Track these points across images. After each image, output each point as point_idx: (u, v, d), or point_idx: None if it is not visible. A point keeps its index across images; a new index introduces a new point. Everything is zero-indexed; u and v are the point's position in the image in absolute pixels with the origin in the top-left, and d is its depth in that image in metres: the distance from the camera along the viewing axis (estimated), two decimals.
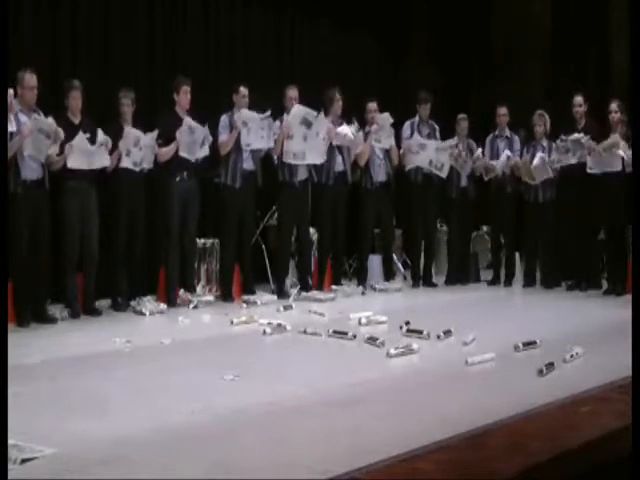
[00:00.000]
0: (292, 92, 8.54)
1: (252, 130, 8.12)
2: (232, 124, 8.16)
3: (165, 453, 3.62)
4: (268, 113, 8.17)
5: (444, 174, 9.30)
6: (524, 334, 5.99)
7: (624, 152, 8.22)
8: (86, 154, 7.20)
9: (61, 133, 6.95)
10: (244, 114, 8.11)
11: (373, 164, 9.10)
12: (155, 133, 7.69)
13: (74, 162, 7.13)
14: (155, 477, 3.30)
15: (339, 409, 4.35)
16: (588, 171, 8.49)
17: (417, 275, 9.48)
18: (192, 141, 7.88)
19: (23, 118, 6.78)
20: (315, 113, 8.40)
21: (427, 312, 7.65)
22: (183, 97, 7.96)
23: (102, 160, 7.34)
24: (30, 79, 6.82)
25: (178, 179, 7.94)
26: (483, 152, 9.47)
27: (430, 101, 9.36)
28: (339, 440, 3.77)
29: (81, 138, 7.14)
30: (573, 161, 8.67)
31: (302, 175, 8.62)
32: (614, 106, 8.52)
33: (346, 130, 8.70)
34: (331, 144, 8.63)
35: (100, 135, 7.29)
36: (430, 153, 9.18)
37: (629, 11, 8.57)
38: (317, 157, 8.52)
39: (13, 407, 3.70)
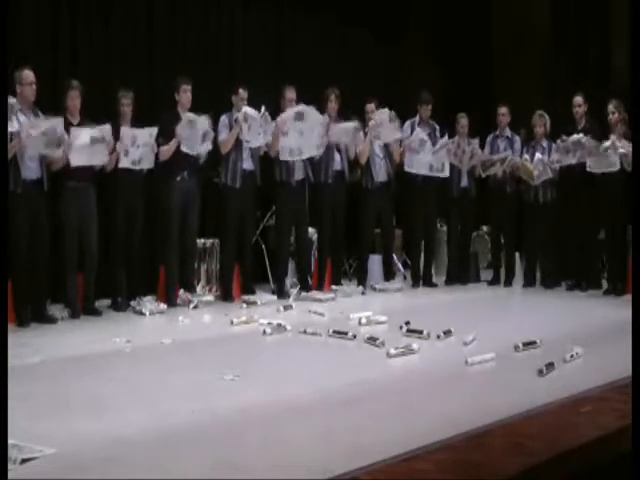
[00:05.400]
0: (290, 93, 8.53)
1: (252, 127, 8.11)
2: (232, 124, 8.16)
3: (165, 453, 3.62)
4: (263, 110, 8.15)
5: (446, 173, 9.29)
6: (524, 334, 5.99)
7: (625, 149, 8.20)
8: (85, 148, 7.17)
9: (66, 139, 6.93)
10: (245, 111, 8.09)
11: (374, 163, 9.09)
12: (154, 130, 7.67)
13: (75, 160, 7.12)
14: (155, 477, 3.30)
15: (339, 409, 4.35)
16: (587, 169, 8.49)
17: (417, 275, 9.47)
18: (192, 135, 7.84)
19: (22, 117, 6.78)
20: (307, 106, 8.38)
21: (427, 312, 7.64)
22: (183, 96, 7.96)
23: (101, 157, 7.32)
24: (28, 75, 6.82)
25: (179, 179, 7.94)
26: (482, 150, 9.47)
27: (431, 102, 9.35)
28: (339, 440, 3.77)
29: (75, 135, 7.11)
30: (573, 161, 8.66)
31: (299, 175, 8.62)
32: (611, 107, 8.51)
33: (342, 124, 8.68)
34: (329, 142, 8.63)
35: (94, 131, 7.25)
36: (429, 155, 9.17)
37: (629, 11, 8.57)
38: (313, 150, 8.49)
39: (13, 407, 3.71)
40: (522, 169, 9.12)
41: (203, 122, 7.88)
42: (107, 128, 7.30)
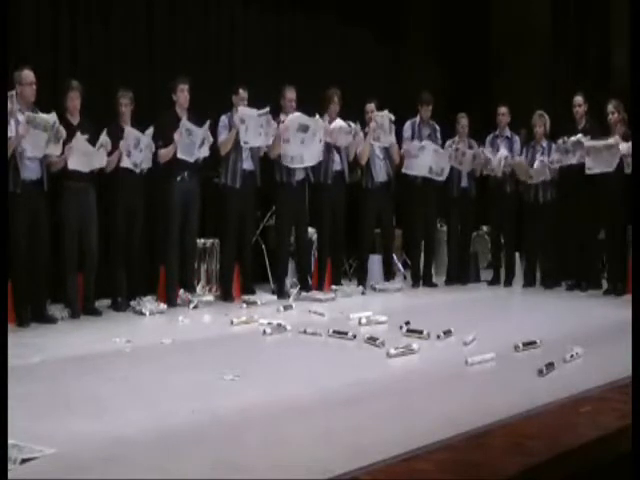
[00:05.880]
0: (290, 93, 8.53)
1: (250, 127, 8.11)
2: (231, 125, 8.17)
3: (165, 453, 3.62)
4: (267, 109, 8.16)
5: (443, 178, 9.30)
6: (524, 334, 5.99)
7: (625, 151, 8.20)
8: (85, 155, 7.20)
9: (63, 132, 6.95)
10: (241, 111, 8.11)
11: (374, 164, 9.09)
12: (151, 130, 7.69)
13: (74, 163, 7.13)
14: (155, 477, 3.30)
15: (339, 409, 4.35)
16: (587, 172, 8.49)
17: (417, 275, 9.47)
18: (190, 142, 7.85)
19: (21, 117, 6.77)
20: (311, 118, 8.39)
21: (427, 312, 7.64)
22: (181, 95, 7.95)
23: (100, 160, 7.34)
24: (28, 75, 6.82)
25: (179, 179, 7.94)
26: (483, 152, 9.47)
27: (432, 103, 9.34)
28: (339, 440, 3.77)
29: (79, 139, 7.13)
30: (573, 161, 8.67)
31: (299, 175, 8.62)
32: (611, 107, 8.50)
33: (340, 124, 8.69)
34: (328, 143, 8.63)
35: (102, 137, 7.28)
36: (429, 158, 9.18)
37: (629, 11, 8.56)
38: (314, 158, 8.52)
39: (13, 407, 3.71)
40: (520, 168, 9.13)
41: (201, 132, 7.88)
42: (107, 139, 7.32)
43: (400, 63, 11.32)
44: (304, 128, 8.35)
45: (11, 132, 6.57)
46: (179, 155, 7.82)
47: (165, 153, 7.84)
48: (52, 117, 6.87)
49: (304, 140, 8.35)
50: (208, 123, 7.95)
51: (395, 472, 3.30)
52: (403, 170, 9.22)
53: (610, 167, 8.34)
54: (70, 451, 3.58)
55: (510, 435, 3.78)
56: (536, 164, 8.97)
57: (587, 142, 8.49)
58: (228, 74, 9.30)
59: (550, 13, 11.88)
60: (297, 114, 8.38)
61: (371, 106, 9.09)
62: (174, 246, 7.98)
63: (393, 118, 8.98)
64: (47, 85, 7.28)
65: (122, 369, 5.37)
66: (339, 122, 8.72)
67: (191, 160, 7.92)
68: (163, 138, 7.81)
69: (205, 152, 8.00)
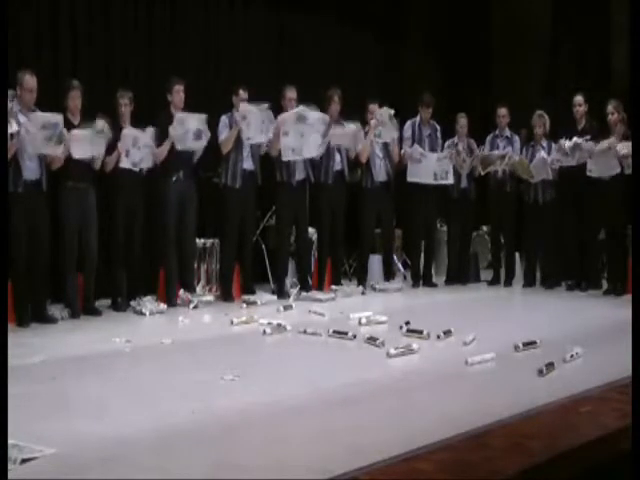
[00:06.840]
0: (290, 93, 8.53)
1: (252, 123, 8.10)
2: (232, 124, 8.17)
3: (165, 453, 3.62)
4: (266, 105, 8.14)
5: (450, 180, 9.30)
6: (524, 334, 5.99)
7: (624, 150, 8.19)
8: (85, 141, 7.16)
9: (66, 135, 6.93)
10: (242, 108, 8.10)
11: (374, 164, 9.10)
12: (151, 130, 7.70)
13: (76, 152, 7.11)
14: (155, 477, 3.30)
15: (339, 409, 4.35)
16: (588, 174, 8.50)
17: (417, 275, 9.48)
18: (184, 132, 7.82)
19: (22, 118, 6.76)
20: (312, 112, 8.38)
21: (427, 312, 7.65)
22: (176, 96, 7.94)
23: (99, 148, 7.28)
24: (29, 81, 6.80)
25: (174, 179, 7.93)
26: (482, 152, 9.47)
27: (432, 104, 9.33)
28: (339, 440, 3.77)
29: (75, 132, 7.12)
30: (573, 163, 8.67)
31: (300, 175, 8.62)
32: (610, 107, 8.50)
33: (348, 129, 8.68)
34: (329, 143, 8.63)
35: (98, 122, 7.24)
36: (432, 164, 9.20)
37: (629, 11, 8.57)
38: (313, 151, 8.47)
39: (13, 407, 3.71)
40: (519, 167, 9.13)
41: (197, 119, 7.85)
42: (104, 123, 7.29)
43: (400, 63, 11.32)
44: (302, 119, 8.31)
45: (11, 129, 6.55)
46: (177, 147, 7.81)
47: (160, 151, 7.82)
48: (55, 117, 6.84)
49: (303, 133, 8.32)
50: (206, 117, 7.91)
51: (395, 472, 3.30)
52: (408, 179, 9.21)
53: (610, 171, 8.33)
54: (70, 451, 3.58)
55: (510, 435, 3.78)
56: (535, 160, 8.98)
57: (585, 145, 8.49)
58: (228, 74, 9.30)
59: (550, 13, 11.89)
60: (296, 109, 8.36)
61: (374, 106, 9.07)
62: (172, 246, 7.98)
63: (393, 112, 8.96)
64: (48, 85, 7.28)
65: (122, 369, 5.37)
66: (342, 127, 8.69)
67: (185, 148, 7.82)
68: (160, 138, 7.81)
69: (202, 144, 7.95)
